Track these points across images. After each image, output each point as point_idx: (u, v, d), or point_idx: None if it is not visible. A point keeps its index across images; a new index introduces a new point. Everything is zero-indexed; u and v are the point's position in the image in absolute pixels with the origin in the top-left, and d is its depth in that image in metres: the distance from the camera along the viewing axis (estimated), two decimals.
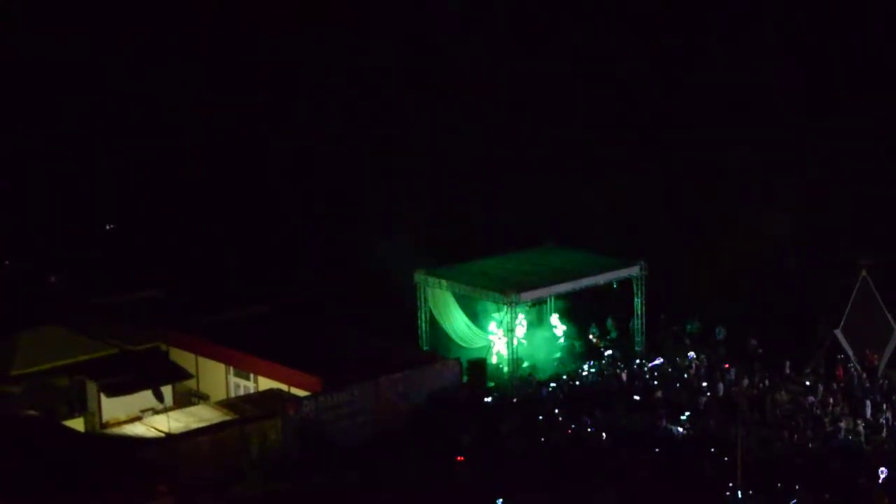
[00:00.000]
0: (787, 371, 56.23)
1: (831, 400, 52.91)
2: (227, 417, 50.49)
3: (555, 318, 62.22)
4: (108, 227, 79.83)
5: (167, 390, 55.09)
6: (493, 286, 58.96)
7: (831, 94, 71.35)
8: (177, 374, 56.52)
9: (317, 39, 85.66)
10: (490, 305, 60.50)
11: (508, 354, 58.16)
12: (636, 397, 54.09)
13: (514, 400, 54.58)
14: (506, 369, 57.92)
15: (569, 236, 66.13)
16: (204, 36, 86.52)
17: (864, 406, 52.07)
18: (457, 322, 62.07)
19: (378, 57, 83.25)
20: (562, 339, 61.68)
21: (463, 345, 61.08)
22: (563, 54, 79.47)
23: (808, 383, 54.94)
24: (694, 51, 76.44)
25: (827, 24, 72.90)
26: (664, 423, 51.02)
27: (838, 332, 56.58)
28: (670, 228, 70.50)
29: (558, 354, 60.52)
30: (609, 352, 59.62)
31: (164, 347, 58.00)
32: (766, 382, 54.95)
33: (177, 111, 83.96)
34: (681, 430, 50.70)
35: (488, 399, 54.60)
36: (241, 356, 55.99)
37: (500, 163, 76.48)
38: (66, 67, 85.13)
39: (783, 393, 54.11)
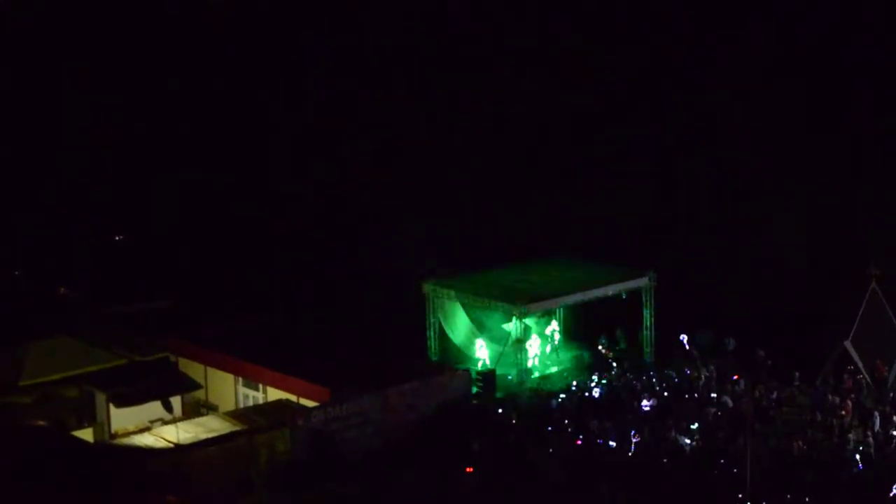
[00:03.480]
0: (797, 382, 56.06)
1: (842, 412, 52.76)
2: (236, 428, 50.49)
3: (550, 329, 62.05)
4: (117, 238, 79.89)
5: (176, 401, 55.10)
6: (503, 297, 58.95)
7: (843, 102, 71.22)
8: (186, 385, 56.52)
9: (324, 39, 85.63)
10: (500, 316, 60.58)
11: (519, 365, 58.18)
12: (645, 408, 54.00)
13: (524, 411, 54.47)
14: (516, 380, 57.97)
15: (578, 247, 66.16)
16: (208, 36, 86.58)
17: (873, 418, 51.91)
18: (465, 333, 62.10)
19: (386, 61, 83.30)
20: (556, 350, 61.66)
21: (471, 355, 61.05)
22: (573, 61, 79.42)
23: (817, 395, 54.77)
24: (704, 59, 76.35)
25: (835, 27, 72.73)
26: (673, 434, 50.94)
27: (847, 343, 56.41)
28: (680, 239, 70.45)
29: (561, 366, 60.51)
30: (618, 363, 59.54)
31: (172, 358, 58.03)
32: (775, 394, 54.81)
33: (184, 118, 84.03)
34: (690, 441, 50.59)
35: (498, 410, 54.48)
36: (249, 367, 56.01)
37: (509, 173, 76.48)
38: (73, 74, 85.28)
39: (792, 404, 53.96)
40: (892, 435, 50.71)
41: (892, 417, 51.93)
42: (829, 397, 53.93)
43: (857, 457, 48.54)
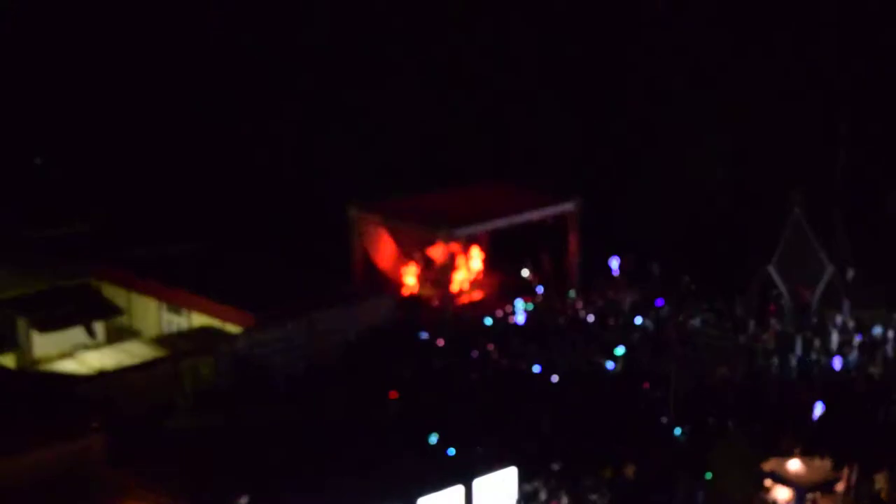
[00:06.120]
0: (720, 307, 56.59)
1: (764, 337, 53.38)
2: (160, 354, 50.21)
3: (475, 254, 62.25)
4: (37, 161, 78.57)
5: (99, 326, 54.60)
6: (428, 221, 58.89)
7: (772, 25, 71.26)
8: (109, 310, 55.97)
9: None
10: (425, 241, 60.57)
11: (444, 290, 58.26)
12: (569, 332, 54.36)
13: (449, 335, 54.58)
14: (441, 305, 58.09)
15: (505, 173, 66.17)
16: None
17: (795, 342, 52.56)
18: (391, 257, 62.05)
19: None
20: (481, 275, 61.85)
21: (395, 280, 61.04)
22: None
23: (739, 320, 55.36)
24: None
25: None
26: (597, 358, 51.32)
27: (770, 268, 57.03)
28: (606, 164, 70.56)
29: (486, 291, 60.73)
30: (543, 288, 59.78)
31: (95, 283, 57.40)
32: (699, 318, 55.32)
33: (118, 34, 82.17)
34: (614, 365, 51.02)
35: (423, 335, 54.55)
36: (173, 292, 55.62)
37: (435, 96, 75.98)
38: None
39: (715, 328, 54.52)
40: (812, 359, 51.41)
41: (813, 342, 52.64)
42: (752, 322, 54.56)
43: (779, 380, 49.24)
